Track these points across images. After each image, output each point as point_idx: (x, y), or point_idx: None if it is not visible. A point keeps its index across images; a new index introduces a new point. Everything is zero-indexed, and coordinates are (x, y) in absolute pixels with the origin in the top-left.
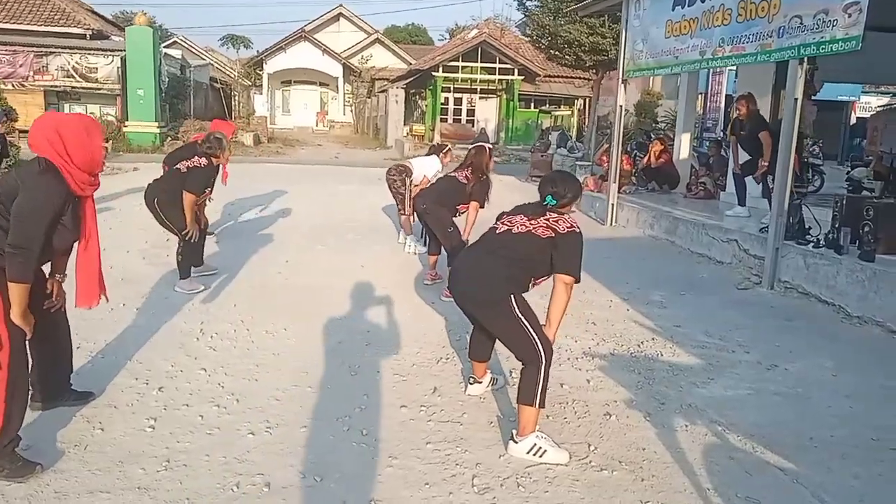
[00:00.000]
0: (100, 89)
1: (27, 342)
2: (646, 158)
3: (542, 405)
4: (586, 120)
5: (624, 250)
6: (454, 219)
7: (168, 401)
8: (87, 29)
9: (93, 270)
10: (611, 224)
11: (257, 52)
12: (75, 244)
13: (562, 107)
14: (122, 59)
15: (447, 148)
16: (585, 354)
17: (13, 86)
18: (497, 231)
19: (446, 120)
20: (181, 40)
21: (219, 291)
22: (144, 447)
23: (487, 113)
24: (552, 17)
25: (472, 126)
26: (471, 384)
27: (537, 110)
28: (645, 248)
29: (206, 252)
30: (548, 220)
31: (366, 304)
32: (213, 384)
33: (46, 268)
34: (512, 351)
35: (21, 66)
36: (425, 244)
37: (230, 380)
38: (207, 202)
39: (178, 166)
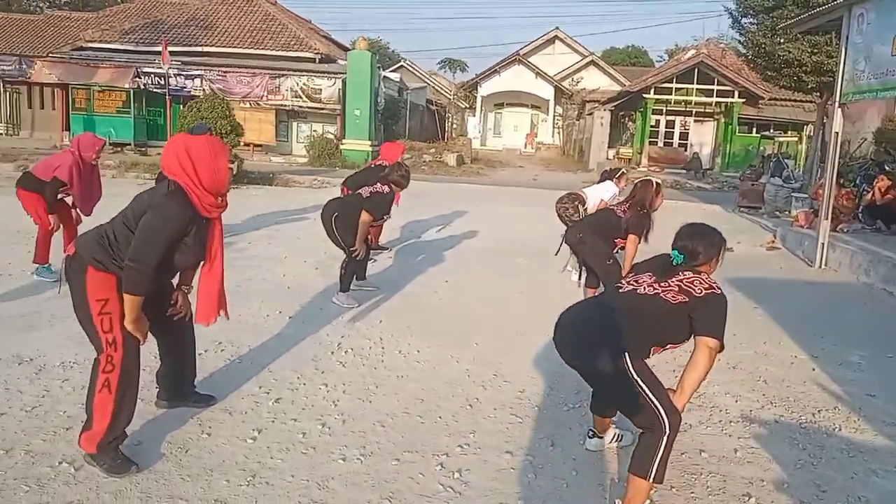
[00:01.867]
0: (323, 109)
1: (160, 346)
2: (870, 194)
3: (657, 480)
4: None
5: (828, 298)
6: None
7: (279, 413)
8: (317, 53)
9: (214, 290)
10: (819, 266)
11: (475, 74)
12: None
13: (788, 133)
14: (343, 81)
15: (621, 171)
16: (743, 418)
17: (250, 104)
18: (620, 290)
19: (656, 143)
20: (407, 65)
21: (372, 307)
22: (239, 458)
23: (702, 137)
24: (769, 35)
25: (685, 150)
26: (590, 437)
27: (759, 135)
28: (855, 296)
29: (374, 268)
30: (680, 281)
31: (509, 334)
32: (328, 401)
33: (176, 278)
34: (628, 417)
35: (258, 86)
36: (580, 277)
37: (345, 398)
38: (383, 222)
39: (360, 191)
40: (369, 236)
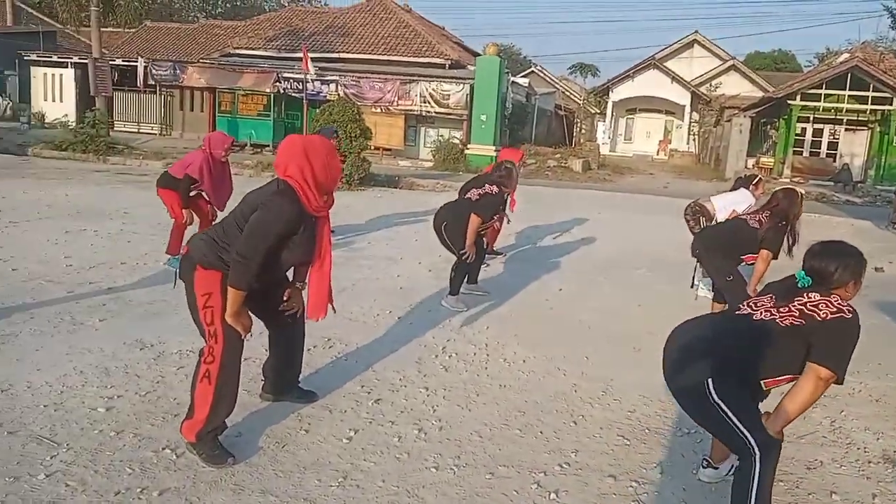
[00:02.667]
0: (450, 114)
1: (270, 340)
2: None
3: None
4: None
5: None
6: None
7: (377, 414)
8: (447, 59)
9: (323, 287)
10: None
11: (607, 80)
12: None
13: None
14: (471, 86)
15: (758, 178)
16: (885, 459)
17: (381, 109)
18: (736, 312)
19: (801, 152)
20: (537, 70)
21: (481, 312)
22: (332, 458)
23: (853, 147)
24: None
25: (833, 161)
26: (704, 467)
27: None
28: None
29: (486, 273)
30: (804, 304)
31: (623, 348)
32: (427, 406)
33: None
34: (722, 442)
35: (389, 92)
36: (712, 289)
37: (445, 404)
38: (500, 226)
39: (468, 195)
40: (484, 239)
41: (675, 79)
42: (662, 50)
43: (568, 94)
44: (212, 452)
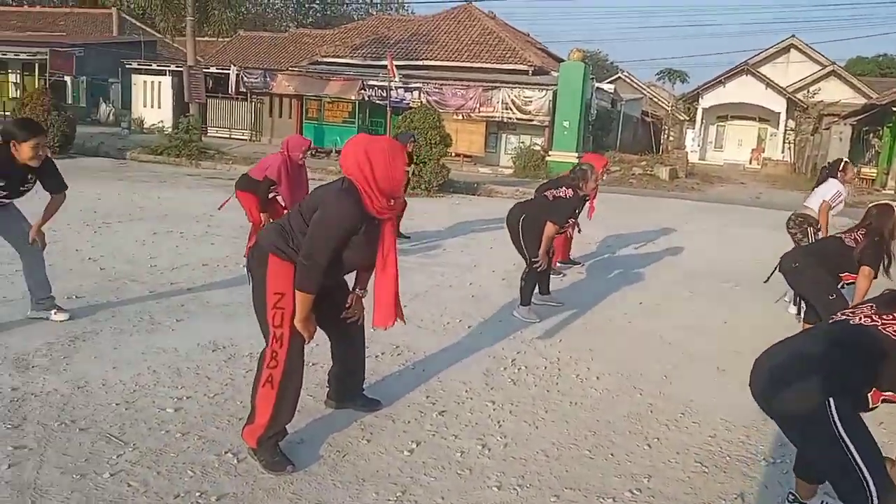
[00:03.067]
0: (531, 121)
1: (332, 347)
2: None
3: None
4: None
5: None
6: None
7: (441, 427)
8: (530, 65)
9: (390, 292)
10: None
11: (697, 86)
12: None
13: None
14: (554, 92)
15: (844, 162)
16: None
17: (462, 116)
18: (831, 321)
19: None
20: (624, 76)
21: (554, 324)
22: (393, 470)
23: None
24: None
25: None
26: (789, 502)
27: None
28: None
29: (561, 283)
30: None
31: (705, 368)
32: (493, 420)
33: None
34: (830, 483)
35: (471, 98)
36: (799, 311)
37: (511, 420)
38: (573, 234)
39: (545, 194)
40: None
41: (770, 85)
42: (757, 55)
43: (656, 100)
44: (271, 459)
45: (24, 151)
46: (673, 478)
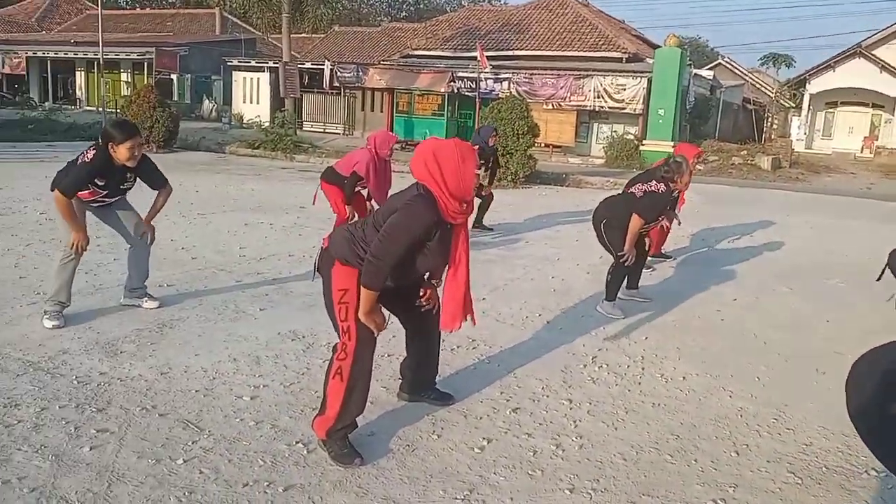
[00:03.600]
0: (624, 109)
1: (407, 338)
2: None
3: None
4: None
5: None
6: None
7: (514, 424)
8: (624, 52)
9: (458, 296)
10: None
11: (805, 70)
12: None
13: None
14: (648, 80)
15: None
16: None
17: (552, 106)
18: None
19: None
20: (725, 62)
21: (639, 321)
22: (461, 468)
23: None
24: None
25: None
26: None
27: None
28: None
29: (651, 278)
30: None
31: (804, 370)
32: (569, 420)
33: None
34: None
35: (562, 88)
36: None
37: (589, 420)
38: (670, 227)
39: (632, 189)
40: (647, 240)
41: (886, 68)
42: (871, 36)
43: (759, 86)
44: (340, 451)
45: (120, 152)
46: (762, 488)
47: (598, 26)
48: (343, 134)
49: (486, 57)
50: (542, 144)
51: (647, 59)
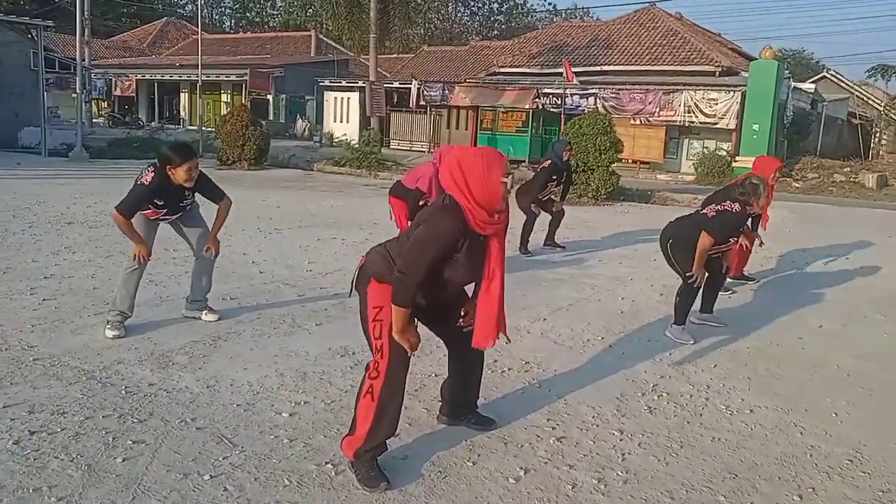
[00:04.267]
0: (716, 125)
1: (450, 358)
2: None
3: None
4: None
5: None
6: None
7: (556, 454)
8: (717, 66)
9: (492, 312)
10: None
11: None
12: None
13: None
14: (742, 94)
15: None
16: None
17: (640, 121)
18: None
19: None
20: (831, 75)
21: (710, 347)
22: (493, 498)
23: None
24: None
25: None
26: None
27: None
28: None
29: (729, 302)
30: None
31: (887, 407)
32: (617, 451)
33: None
34: None
35: (650, 103)
36: None
37: (639, 452)
38: (751, 248)
39: (704, 210)
40: (724, 262)
41: None
42: None
43: (866, 99)
44: (368, 474)
45: (178, 175)
46: None
47: (689, 39)
48: (428, 152)
49: (573, 72)
50: (630, 161)
51: (743, 72)
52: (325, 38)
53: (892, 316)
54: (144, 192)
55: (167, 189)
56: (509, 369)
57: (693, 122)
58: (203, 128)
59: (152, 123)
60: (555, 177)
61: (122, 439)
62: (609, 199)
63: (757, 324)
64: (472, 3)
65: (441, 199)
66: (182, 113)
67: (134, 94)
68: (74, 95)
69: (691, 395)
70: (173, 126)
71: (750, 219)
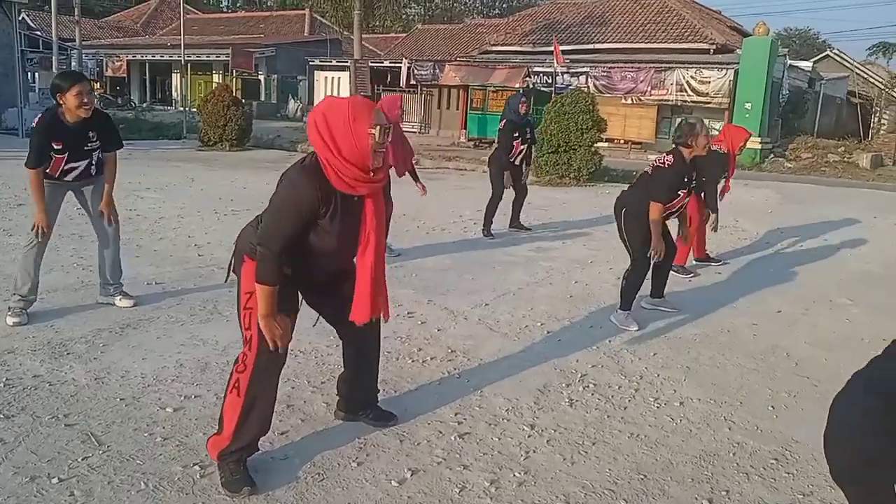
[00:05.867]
0: (709, 103)
1: (343, 348)
2: None
3: None
4: None
5: None
6: None
7: (453, 453)
8: (712, 44)
9: (366, 282)
10: None
11: None
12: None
13: None
14: (735, 72)
15: None
16: None
17: (632, 101)
18: None
19: None
20: (835, 53)
21: (655, 334)
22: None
23: None
24: None
25: None
26: None
27: None
28: None
29: (689, 284)
30: None
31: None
32: (521, 449)
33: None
34: None
35: (641, 81)
36: None
37: (545, 451)
38: (706, 227)
39: (645, 169)
40: (685, 233)
41: None
42: None
43: (868, 78)
44: (231, 477)
45: (70, 103)
46: None
47: (684, 16)
48: (419, 132)
49: (565, 51)
50: (622, 141)
51: (739, 50)
52: (319, 18)
53: (860, 300)
54: (39, 132)
55: (62, 127)
56: (432, 358)
57: (686, 101)
58: (186, 108)
59: (143, 105)
60: (517, 133)
61: None
62: (592, 179)
63: (711, 309)
64: None
65: (303, 158)
66: (174, 94)
67: (125, 75)
68: None
69: (620, 386)
70: (164, 107)
71: (704, 190)
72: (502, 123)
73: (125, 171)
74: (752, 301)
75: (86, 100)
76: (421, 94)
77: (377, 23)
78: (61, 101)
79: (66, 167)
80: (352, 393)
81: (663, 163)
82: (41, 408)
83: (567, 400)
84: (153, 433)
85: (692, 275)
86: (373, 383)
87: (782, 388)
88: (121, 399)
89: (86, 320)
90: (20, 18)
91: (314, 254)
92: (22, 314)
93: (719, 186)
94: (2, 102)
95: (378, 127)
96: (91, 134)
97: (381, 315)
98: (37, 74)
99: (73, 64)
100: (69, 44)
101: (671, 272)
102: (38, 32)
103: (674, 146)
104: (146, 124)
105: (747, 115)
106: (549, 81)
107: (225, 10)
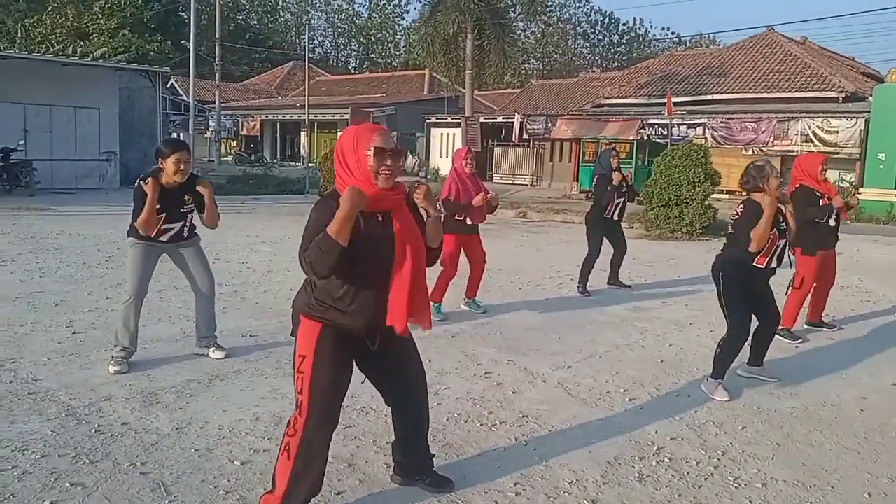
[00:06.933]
0: (837, 153)
1: (393, 412)
2: None
3: None
4: None
5: None
6: None
7: None
8: (840, 92)
9: (403, 289)
10: None
11: None
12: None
13: None
14: (866, 120)
15: None
16: None
17: (753, 151)
18: None
19: None
20: None
21: (746, 406)
22: None
23: None
24: None
25: None
26: None
27: None
28: None
29: (797, 351)
30: None
31: None
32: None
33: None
34: None
35: (763, 132)
36: None
37: None
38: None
39: (728, 230)
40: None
41: None
42: None
43: None
44: None
45: (168, 167)
46: None
47: (810, 64)
48: (531, 185)
49: (681, 102)
50: (743, 193)
51: (871, 97)
52: (437, 76)
53: None
54: (141, 194)
55: (161, 190)
56: (501, 423)
57: (811, 152)
58: (306, 165)
59: (274, 161)
60: (614, 187)
61: (62, 481)
62: (706, 234)
63: (816, 379)
64: (593, 36)
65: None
66: (302, 150)
67: (259, 133)
68: (207, 135)
69: (698, 462)
70: (292, 163)
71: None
72: (595, 179)
73: (247, 225)
74: (865, 372)
75: (182, 167)
76: (533, 147)
77: (491, 80)
78: (161, 166)
79: (162, 227)
80: (405, 458)
81: (736, 211)
82: (123, 455)
83: (637, 475)
84: (218, 486)
85: (800, 340)
86: (425, 448)
87: (884, 474)
88: (195, 450)
89: (179, 371)
90: (168, 85)
91: (354, 280)
92: (123, 363)
93: (831, 222)
94: (147, 161)
95: (372, 149)
96: (186, 197)
97: (420, 324)
98: (180, 135)
99: (212, 124)
100: (208, 106)
101: (777, 336)
102: (182, 97)
103: (745, 195)
104: (273, 180)
105: (881, 166)
106: (665, 133)
107: (352, 71)
